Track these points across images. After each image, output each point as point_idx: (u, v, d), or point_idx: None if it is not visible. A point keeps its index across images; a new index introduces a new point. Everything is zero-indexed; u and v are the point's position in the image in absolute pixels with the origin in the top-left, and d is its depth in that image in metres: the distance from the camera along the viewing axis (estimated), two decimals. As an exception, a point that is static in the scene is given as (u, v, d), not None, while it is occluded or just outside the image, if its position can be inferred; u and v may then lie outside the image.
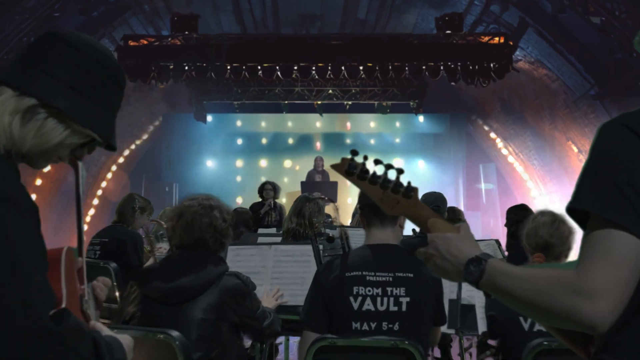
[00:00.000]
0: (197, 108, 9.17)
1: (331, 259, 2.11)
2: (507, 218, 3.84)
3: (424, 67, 7.96)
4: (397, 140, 11.01)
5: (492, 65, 7.91)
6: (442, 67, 7.95)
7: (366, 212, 2.10)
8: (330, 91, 8.93)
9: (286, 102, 9.12)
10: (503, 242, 3.90)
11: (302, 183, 7.87)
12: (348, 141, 11.01)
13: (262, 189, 6.01)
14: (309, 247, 2.74)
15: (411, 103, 9.26)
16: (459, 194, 10.51)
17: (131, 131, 10.39)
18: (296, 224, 3.35)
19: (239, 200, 10.22)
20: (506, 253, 3.77)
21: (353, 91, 9.04)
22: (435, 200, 3.87)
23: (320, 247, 2.81)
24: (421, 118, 10.97)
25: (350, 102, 9.25)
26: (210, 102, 9.57)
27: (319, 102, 9.19)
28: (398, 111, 9.98)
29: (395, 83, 8.84)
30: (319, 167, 8.49)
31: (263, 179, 10.24)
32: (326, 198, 5.25)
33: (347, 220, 10.38)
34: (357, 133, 11.01)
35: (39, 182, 8.25)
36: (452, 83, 8.20)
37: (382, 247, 2.08)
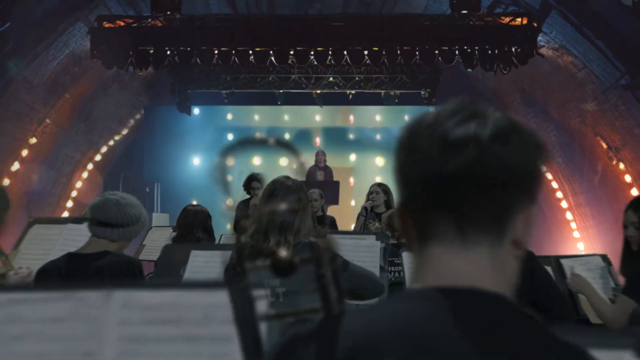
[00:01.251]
0: (181, 98, 9.04)
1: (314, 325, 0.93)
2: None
3: (436, 52, 7.72)
4: None
5: (513, 49, 7.71)
6: (457, 52, 7.75)
7: (421, 202, 0.85)
8: (331, 79, 8.78)
9: (281, 91, 8.98)
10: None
11: (300, 183, 7.33)
12: (351, 136, 10.89)
13: (248, 184, 5.52)
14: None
15: (422, 92, 9.09)
16: None
17: (109, 125, 10.26)
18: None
19: (229, 203, 10.04)
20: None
21: (357, 79, 8.89)
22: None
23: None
24: (432, 111, 10.21)
25: (353, 92, 9.09)
26: (195, 92, 9.42)
27: (318, 92, 9.05)
28: (407, 102, 9.82)
29: (405, 70, 8.66)
30: (320, 163, 8.28)
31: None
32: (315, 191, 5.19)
33: (349, 222, 10.20)
34: (361, 128, 10.86)
35: None
36: (469, 69, 8.05)
37: (463, 296, 0.83)
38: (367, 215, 5.25)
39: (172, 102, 9.93)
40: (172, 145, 10.41)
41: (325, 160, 8.40)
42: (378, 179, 9.84)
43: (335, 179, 8.16)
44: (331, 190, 7.76)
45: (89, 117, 9.35)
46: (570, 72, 8.43)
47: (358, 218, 5.49)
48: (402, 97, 9.40)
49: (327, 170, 8.40)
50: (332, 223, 5.40)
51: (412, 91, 9.20)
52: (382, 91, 9.14)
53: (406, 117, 10.44)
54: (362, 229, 5.17)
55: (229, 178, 10.39)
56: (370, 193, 5.40)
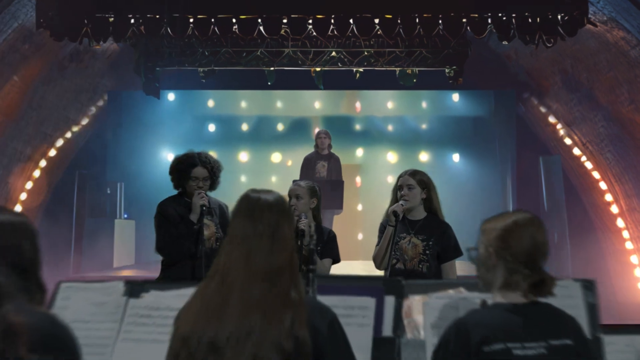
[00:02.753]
0: (148, 78, 8.55)
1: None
2: None
3: (464, 21, 7.37)
4: (424, 126, 10.59)
5: (559, 17, 7.31)
6: (489, 21, 7.37)
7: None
8: (334, 54, 8.29)
9: (272, 68, 8.45)
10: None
11: (295, 182, 6.65)
12: (357, 127, 10.64)
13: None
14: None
15: (447, 70, 8.51)
16: (507, 198, 9.99)
17: (66, 114, 9.89)
18: None
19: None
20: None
21: (365, 54, 8.36)
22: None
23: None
24: (456, 96, 10.57)
25: (361, 69, 8.55)
26: (166, 70, 8.92)
27: (318, 69, 8.49)
28: (428, 84, 9.35)
29: (425, 43, 8.21)
30: (323, 148, 7.65)
31: (243, 179, 10.24)
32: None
33: (355, 232, 10.11)
34: (370, 117, 10.62)
35: None
36: (504, 42, 7.57)
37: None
38: (397, 225, 3.84)
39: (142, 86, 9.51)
40: (142, 138, 10.22)
41: (330, 146, 7.82)
42: (390, 179, 9.90)
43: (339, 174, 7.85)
44: (333, 191, 7.30)
45: (42, 105, 9.17)
46: (621, 49, 8.17)
47: (381, 231, 4.04)
48: (422, 76, 8.88)
49: (333, 161, 7.83)
50: (330, 243, 4.03)
51: (435, 69, 8.68)
52: (397, 69, 8.62)
53: (424, 105, 10.50)
54: (391, 251, 3.82)
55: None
56: (398, 188, 3.96)
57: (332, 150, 7.94)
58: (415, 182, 3.95)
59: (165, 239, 4.09)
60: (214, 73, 8.59)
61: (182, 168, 4.33)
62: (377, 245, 4.05)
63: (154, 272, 8.09)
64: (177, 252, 4.05)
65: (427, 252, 3.85)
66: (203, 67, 8.47)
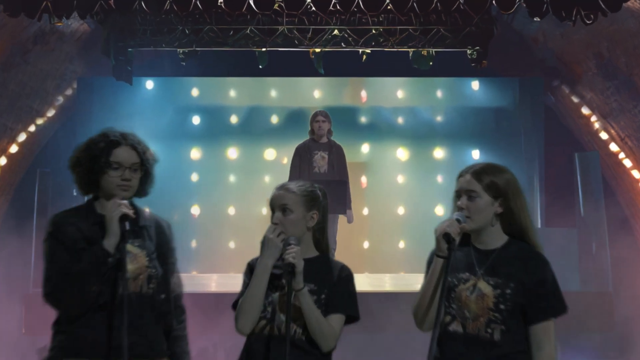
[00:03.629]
0: (118, 61, 8.32)
1: None
2: None
3: None
4: (439, 118, 10.37)
5: None
6: None
7: None
8: (336, 32, 8.07)
9: (264, 49, 8.19)
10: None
11: None
12: (363, 119, 10.39)
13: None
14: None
15: (469, 51, 8.28)
16: (534, 200, 9.74)
17: (30, 104, 9.71)
18: None
19: (195, 211, 9.95)
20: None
21: (373, 32, 8.12)
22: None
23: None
24: (476, 84, 10.42)
25: (368, 50, 8.29)
26: (141, 52, 8.70)
27: (318, 51, 8.23)
28: (444, 69, 9.05)
29: (443, 19, 7.99)
30: (321, 135, 7.14)
31: (232, 179, 10.02)
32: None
33: (360, 240, 9.81)
34: (377, 107, 10.39)
35: None
36: (536, 19, 7.41)
37: None
38: (451, 257, 2.66)
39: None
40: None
41: (330, 132, 7.31)
42: (400, 179, 9.95)
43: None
44: (335, 193, 6.81)
45: (2, 94, 9.03)
46: (665, 30, 8.14)
47: (429, 266, 2.84)
48: (438, 60, 8.63)
49: (335, 151, 7.33)
50: (343, 286, 2.95)
51: (454, 50, 8.42)
52: (411, 50, 8.36)
53: (439, 94, 10.43)
54: (441, 301, 2.59)
55: (194, 177, 10.28)
56: (456, 195, 2.82)
57: (332, 138, 7.43)
58: (481, 187, 2.75)
59: (58, 279, 2.82)
60: (195, 54, 8.34)
61: (95, 152, 3.03)
62: (419, 296, 2.81)
63: None
64: (77, 301, 2.81)
65: (502, 306, 2.65)
66: (183, 47, 8.24)
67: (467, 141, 10.23)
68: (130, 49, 8.30)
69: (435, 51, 8.35)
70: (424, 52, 8.30)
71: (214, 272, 9.55)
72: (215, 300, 6.29)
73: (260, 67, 8.39)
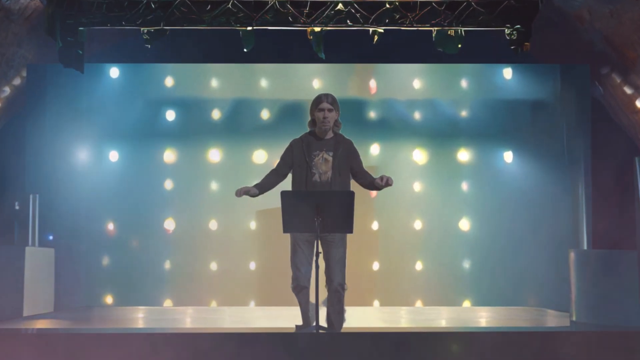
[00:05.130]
0: (66, 42, 7.85)
1: None
2: None
3: None
4: (464, 113, 10.07)
5: None
6: None
7: None
8: (341, 6, 7.70)
9: (249, 28, 7.78)
10: None
11: (284, 194, 5.84)
12: (372, 115, 10.12)
13: None
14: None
15: (507, 30, 7.85)
16: (579, 212, 9.49)
17: None
18: None
19: (169, 226, 9.72)
20: None
21: (387, 7, 7.77)
22: None
23: None
24: (508, 72, 10.18)
25: (380, 30, 7.88)
26: (94, 31, 8.26)
27: (317, 30, 7.84)
28: (471, 54, 8.70)
29: None
30: (326, 127, 6.23)
31: (214, 186, 9.78)
32: None
33: (369, 261, 9.56)
34: (389, 100, 10.13)
35: None
36: None
37: None
38: None
39: (86, 59, 9.05)
40: (73, 131, 9.86)
41: (338, 123, 6.33)
42: (417, 186, 9.64)
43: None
44: (340, 205, 5.91)
45: None
46: None
47: None
48: (472, 39, 8.16)
49: (341, 150, 6.27)
50: None
51: (489, 29, 8.04)
52: (434, 29, 7.95)
53: (464, 84, 10.18)
54: None
55: (168, 185, 9.98)
56: None
57: (340, 132, 6.44)
58: None
59: None
60: (164, 35, 7.88)
61: None
62: None
63: (81, 323, 7.53)
64: None
65: None
66: (148, 26, 7.78)
67: (497, 141, 10.08)
68: (81, 28, 7.87)
69: (465, 31, 7.94)
70: (451, 32, 7.90)
71: (191, 303, 9.26)
72: (191, 342, 5.52)
73: (245, 50, 8.01)
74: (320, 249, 5.56)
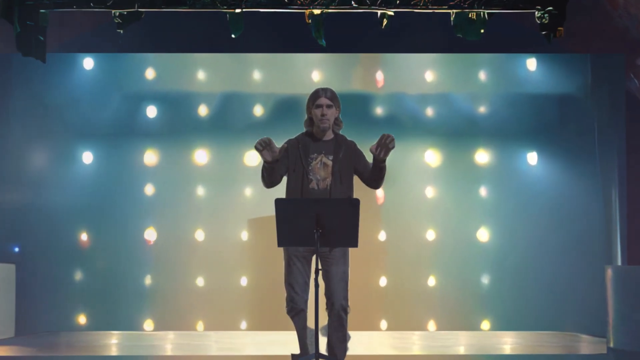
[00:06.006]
0: (25, 27, 7.60)
1: None
2: None
3: None
4: (482, 109, 9.89)
5: None
6: None
7: None
8: None
9: (238, 10, 7.50)
10: None
11: (279, 202, 5.56)
12: (379, 111, 9.96)
13: None
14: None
15: (537, 13, 7.52)
16: (613, 220, 9.31)
17: None
18: None
19: (150, 236, 9.56)
20: None
21: None
22: None
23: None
24: (532, 63, 9.99)
25: (390, 12, 7.60)
26: (62, 15, 8.22)
27: (317, 12, 7.59)
28: (492, 42, 8.44)
29: None
30: (325, 125, 5.96)
31: (200, 192, 9.76)
32: None
33: (375, 276, 9.50)
34: (398, 94, 10.00)
35: None
36: None
37: None
38: None
39: (52, 48, 8.88)
40: (42, 128, 9.79)
41: (338, 122, 6.13)
42: (430, 192, 9.49)
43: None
44: (341, 217, 5.56)
45: None
46: None
47: None
48: (490, 25, 7.79)
49: (343, 154, 6.04)
50: None
51: (517, 12, 7.72)
52: (452, 11, 7.63)
53: (483, 76, 10.03)
54: None
55: (149, 190, 9.82)
56: None
57: (341, 132, 6.17)
58: None
59: None
60: (138, 19, 7.54)
61: None
62: None
63: (47, 350, 7.08)
64: None
65: None
66: (119, 8, 7.49)
67: (520, 141, 9.94)
68: (42, 10, 7.55)
69: (488, 14, 7.59)
70: (472, 16, 7.51)
71: (175, 323, 8.99)
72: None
73: (233, 36, 7.63)
74: (319, 266, 5.21)
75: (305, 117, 5.96)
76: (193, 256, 9.21)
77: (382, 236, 9.33)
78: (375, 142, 5.31)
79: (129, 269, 9.14)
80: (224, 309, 9.08)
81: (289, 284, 5.52)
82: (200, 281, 9.08)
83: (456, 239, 9.23)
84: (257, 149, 5.41)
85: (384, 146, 5.31)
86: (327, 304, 5.46)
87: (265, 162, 5.54)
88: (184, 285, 9.13)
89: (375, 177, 5.65)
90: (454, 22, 7.59)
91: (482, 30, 7.58)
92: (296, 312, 5.49)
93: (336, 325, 5.52)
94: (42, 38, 7.51)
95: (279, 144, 6.30)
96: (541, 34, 7.65)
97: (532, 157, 9.83)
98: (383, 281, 9.29)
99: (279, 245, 5.34)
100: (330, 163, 5.82)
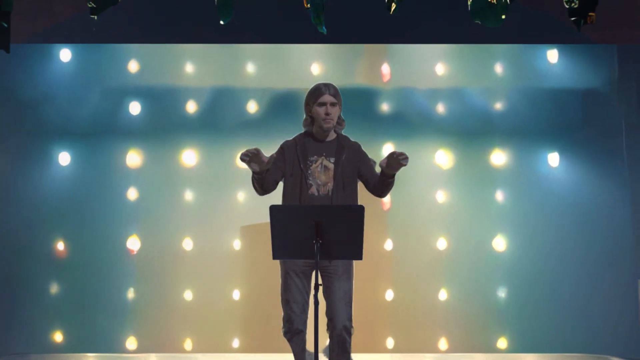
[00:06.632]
0: None
1: None
2: None
3: None
4: (498, 105, 9.71)
5: None
6: None
7: None
8: None
9: None
10: None
11: (274, 209, 5.54)
12: (385, 107, 9.67)
13: None
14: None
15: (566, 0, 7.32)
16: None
17: None
18: None
19: (133, 246, 9.43)
20: None
21: None
22: None
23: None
24: (553, 55, 9.80)
25: None
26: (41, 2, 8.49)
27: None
28: (511, 32, 8.55)
29: None
30: (328, 125, 5.88)
31: (188, 196, 9.46)
32: None
33: (381, 289, 9.98)
34: (406, 89, 9.64)
35: None
36: None
37: None
38: None
39: (30, 39, 9.27)
40: (14, 127, 9.65)
41: (341, 121, 6.05)
42: (442, 196, 9.48)
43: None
44: (344, 225, 5.48)
45: None
46: None
47: None
48: (515, 10, 7.60)
49: (346, 157, 5.91)
50: None
51: None
52: None
53: (499, 69, 9.84)
54: None
55: (132, 195, 9.71)
56: None
57: (344, 133, 6.04)
58: None
59: None
60: (114, 3, 7.09)
61: None
62: None
63: None
64: None
65: None
66: None
67: (540, 140, 9.46)
68: None
69: None
70: (493, 0, 7.15)
71: (160, 341, 8.81)
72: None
73: (221, 23, 7.08)
74: (320, 281, 4.98)
75: (305, 116, 5.83)
76: (180, 267, 9.00)
77: (388, 245, 9.07)
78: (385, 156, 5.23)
79: (109, 281, 8.93)
80: (214, 326, 8.84)
81: (286, 302, 5.38)
82: (188, 295, 8.84)
83: (470, 249, 9.02)
84: (242, 160, 5.23)
85: (395, 162, 5.37)
86: (328, 324, 5.26)
87: (253, 172, 5.39)
88: (170, 299, 8.92)
89: (381, 187, 5.62)
90: (471, 7, 7.16)
91: (503, 17, 7.20)
92: (294, 333, 5.35)
93: (338, 348, 5.28)
94: (5, 25, 7.12)
95: (275, 144, 6.07)
96: (569, 21, 7.21)
97: (554, 158, 9.47)
98: (389, 295, 9.03)
99: (274, 257, 5.06)
100: (331, 166, 5.60)
